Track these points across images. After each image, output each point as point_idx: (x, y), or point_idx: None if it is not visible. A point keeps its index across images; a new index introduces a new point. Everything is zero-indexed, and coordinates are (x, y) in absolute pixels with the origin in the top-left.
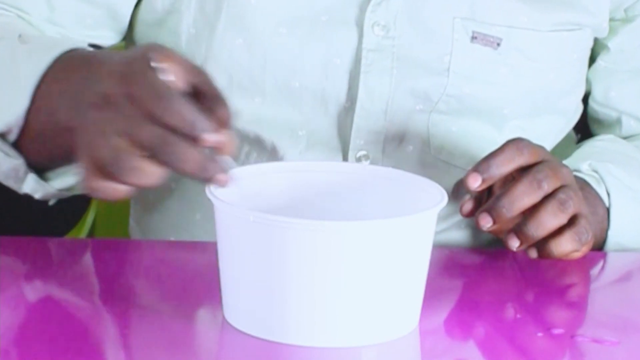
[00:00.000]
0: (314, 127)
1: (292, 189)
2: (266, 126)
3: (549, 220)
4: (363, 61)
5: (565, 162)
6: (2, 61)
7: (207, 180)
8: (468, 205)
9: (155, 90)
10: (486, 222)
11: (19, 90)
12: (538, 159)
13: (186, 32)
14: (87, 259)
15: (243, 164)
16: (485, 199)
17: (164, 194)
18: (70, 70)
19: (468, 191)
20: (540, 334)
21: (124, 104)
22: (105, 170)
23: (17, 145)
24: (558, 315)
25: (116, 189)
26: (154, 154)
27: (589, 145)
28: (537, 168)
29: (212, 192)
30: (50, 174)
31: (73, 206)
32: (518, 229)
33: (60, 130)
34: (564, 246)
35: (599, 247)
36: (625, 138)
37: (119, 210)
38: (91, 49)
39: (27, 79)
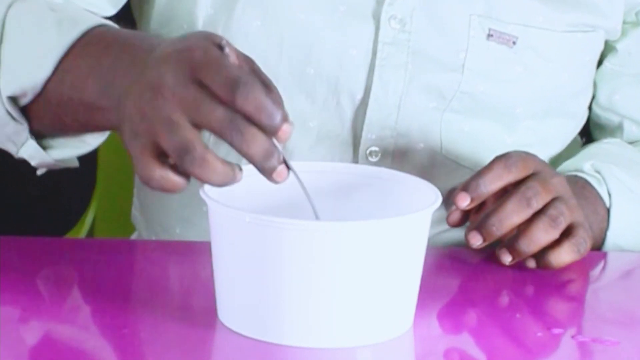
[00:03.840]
0: (325, 118)
1: (287, 189)
2: None
3: (540, 236)
4: (379, 54)
5: (568, 161)
6: (28, 25)
7: (268, 170)
8: (454, 216)
9: (232, 76)
10: (476, 241)
11: (43, 58)
12: (528, 172)
13: (204, 12)
14: (87, 259)
15: None
16: (475, 209)
17: None
18: (101, 48)
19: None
20: (540, 334)
21: (191, 89)
22: (175, 159)
23: (24, 109)
24: (558, 315)
25: (174, 182)
26: (222, 135)
27: (595, 146)
28: (526, 185)
29: (206, 192)
30: (50, 142)
31: (73, 206)
32: (510, 245)
33: (88, 107)
34: (563, 257)
35: (598, 247)
36: (630, 144)
37: (119, 210)
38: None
39: (53, 48)
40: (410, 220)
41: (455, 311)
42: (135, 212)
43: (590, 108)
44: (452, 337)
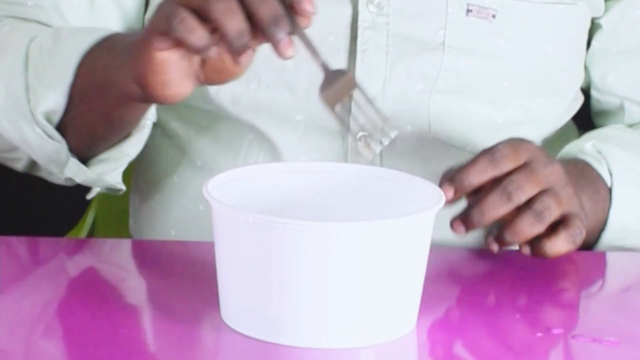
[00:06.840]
0: (310, 109)
1: (290, 190)
2: (263, 114)
3: (524, 230)
4: (359, 39)
5: (571, 143)
6: (45, 45)
7: (275, 39)
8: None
9: None
10: (459, 230)
11: (64, 67)
12: (519, 162)
13: None
14: (87, 259)
15: (246, 154)
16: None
17: (165, 187)
18: (114, 48)
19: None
20: (539, 334)
21: None
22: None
23: (60, 130)
24: (557, 315)
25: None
26: None
27: (596, 130)
28: (510, 178)
29: (210, 192)
30: (91, 161)
31: (73, 206)
32: (497, 235)
33: (111, 82)
34: (559, 247)
35: (601, 226)
36: (631, 127)
37: (119, 210)
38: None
39: (72, 55)
40: (414, 220)
41: (456, 312)
42: (132, 222)
43: (590, 95)
44: (453, 338)
